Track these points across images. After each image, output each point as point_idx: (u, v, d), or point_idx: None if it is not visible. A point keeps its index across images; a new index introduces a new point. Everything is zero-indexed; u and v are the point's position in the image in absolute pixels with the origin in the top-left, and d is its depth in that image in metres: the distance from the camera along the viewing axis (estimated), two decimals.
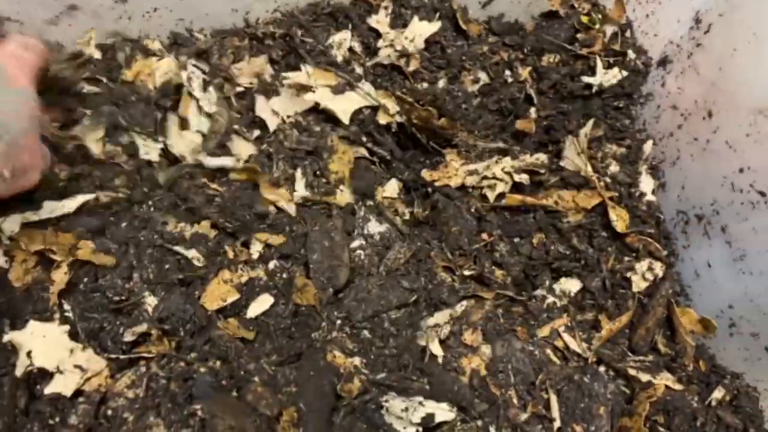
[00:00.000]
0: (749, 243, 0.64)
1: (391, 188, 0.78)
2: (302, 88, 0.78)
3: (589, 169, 0.71)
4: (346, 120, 0.77)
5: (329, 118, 0.79)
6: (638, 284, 0.71)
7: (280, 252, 0.70)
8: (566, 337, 0.70)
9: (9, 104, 0.56)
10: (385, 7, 0.85)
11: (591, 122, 0.74)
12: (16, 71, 0.60)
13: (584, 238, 0.73)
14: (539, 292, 0.72)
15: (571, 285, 0.72)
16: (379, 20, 0.84)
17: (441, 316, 0.70)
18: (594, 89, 0.78)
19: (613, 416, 0.66)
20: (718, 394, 0.68)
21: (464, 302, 0.71)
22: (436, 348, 0.67)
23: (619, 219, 0.71)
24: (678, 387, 0.68)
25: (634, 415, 0.65)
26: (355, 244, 0.73)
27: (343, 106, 0.78)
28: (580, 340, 0.70)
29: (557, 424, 0.64)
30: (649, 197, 0.74)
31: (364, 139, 0.79)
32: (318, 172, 0.77)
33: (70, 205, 0.67)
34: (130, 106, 0.73)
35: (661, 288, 0.70)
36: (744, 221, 0.63)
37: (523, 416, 0.64)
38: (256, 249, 0.70)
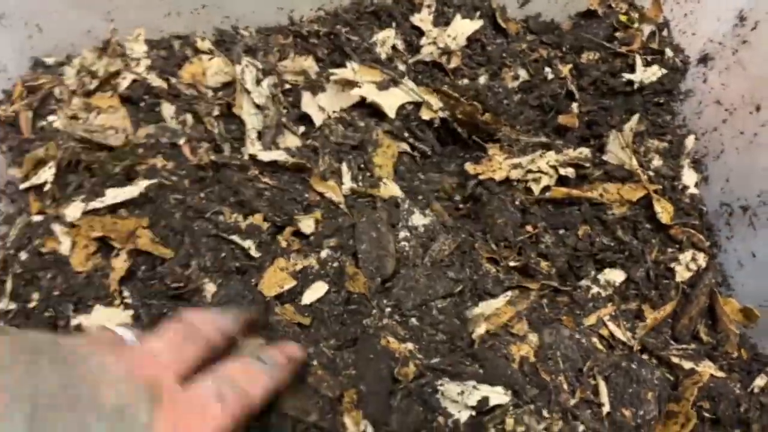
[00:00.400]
0: None
1: (435, 181, 0.80)
2: (348, 84, 0.80)
3: (634, 162, 0.73)
4: (392, 114, 0.79)
5: (373, 113, 0.80)
6: (681, 274, 0.73)
7: (330, 243, 0.72)
8: (611, 326, 0.71)
9: None
10: (428, 6, 0.87)
11: (636, 117, 0.76)
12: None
13: (629, 229, 0.74)
14: (584, 282, 0.74)
15: (616, 275, 0.73)
16: (422, 18, 0.86)
17: (486, 306, 0.71)
18: (635, 86, 0.80)
19: (660, 401, 0.67)
20: (760, 381, 0.70)
21: (509, 293, 0.73)
22: (484, 334, 0.68)
23: (663, 211, 0.73)
24: (720, 374, 0.70)
25: (681, 400, 0.66)
26: (401, 235, 0.75)
27: (389, 101, 0.80)
28: (624, 329, 0.71)
29: (606, 408, 0.66)
30: (692, 190, 0.76)
31: (407, 134, 0.81)
32: (363, 166, 0.78)
33: (132, 191, 0.69)
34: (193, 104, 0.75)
35: (704, 278, 0.72)
36: None
37: (573, 401, 0.66)
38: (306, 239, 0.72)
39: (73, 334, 0.62)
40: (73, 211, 0.69)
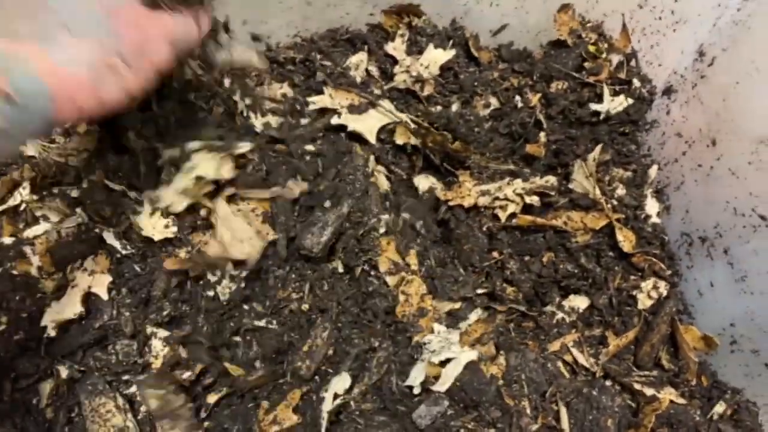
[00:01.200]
0: (750, 264, 0.67)
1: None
2: (327, 111, 0.82)
3: (597, 191, 0.75)
4: (372, 140, 0.80)
5: (353, 137, 0.82)
6: (644, 302, 0.74)
7: None
8: (575, 351, 0.73)
9: None
10: (402, 35, 0.88)
11: (599, 147, 0.77)
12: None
13: (592, 257, 0.76)
14: (549, 308, 0.75)
15: (580, 302, 0.75)
16: (396, 47, 0.88)
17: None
18: (601, 116, 0.82)
19: (620, 428, 0.68)
20: (719, 408, 0.71)
21: (478, 311, 0.74)
22: None
23: (625, 240, 0.74)
24: (681, 401, 0.71)
25: (640, 427, 0.68)
26: None
27: (368, 126, 0.81)
28: (588, 355, 0.73)
29: None
30: (654, 219, 0.77)
31: (388, 157, 0.82)
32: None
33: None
34: None
35: (665, 306, 0.73)
36: (746, 243, 0.67)
37: (535, 426, 0.67)
38: None
39: None
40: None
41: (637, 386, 0.71)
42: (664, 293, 0.73)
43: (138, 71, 0.51)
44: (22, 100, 0.44)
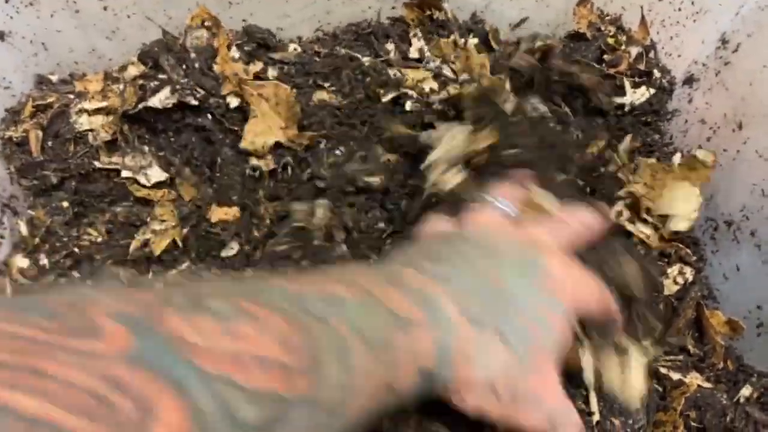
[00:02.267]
0: None
1: None
2: None
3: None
4: None
5: None
6: (669, 288, 0.75)
7: None
8: None
9: (535, 311, 0.45)
10: (417, 36, 0.89)
11: (629, 137, 0.78)
12: (558, 273, 0.48)
13: None
14: None
15: None
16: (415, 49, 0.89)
17: None
18: (626, 108, 0.83)
19: (649, 411, 0.69)
20: (746, 391, 0.72)
21: None
22: None
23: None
24: (707, 385, 0.72)
25: (669, 410, 0.68)
26: None
27: None
28: None
29: (596, 417, 0.67)
30: None
31: None
32: None
33: None
34: None
35: (690, 291, 0.74)
36: None
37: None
38: None
39: None
40: None
41: (663, 371, 0.72)
42: (690, 279, 0.74)
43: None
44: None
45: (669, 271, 0.75)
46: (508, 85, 0.87)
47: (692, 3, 0.80)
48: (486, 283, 0.44)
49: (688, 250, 0.75)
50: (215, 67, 0.82)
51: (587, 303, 0.50)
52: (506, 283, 0.45)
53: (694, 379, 0.71)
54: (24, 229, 0.76)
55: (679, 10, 0.82)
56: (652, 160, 0.80)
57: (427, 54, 0.89)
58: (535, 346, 0.44)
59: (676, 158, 0.79)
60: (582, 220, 0.56)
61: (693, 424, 0.70)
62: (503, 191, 0.57)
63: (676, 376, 0.71)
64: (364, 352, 0.35)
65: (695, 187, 0.71)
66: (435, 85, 0.87)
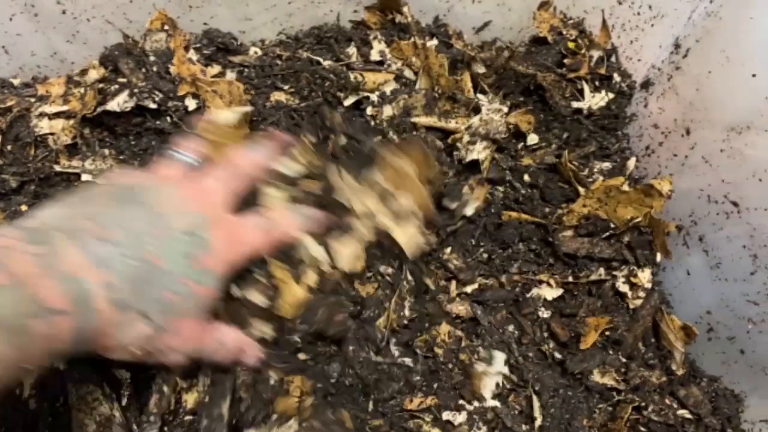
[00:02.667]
0: (724, 251, 0.68)
1: None
2: None
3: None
4: None
5: None
6: (628, 294, 0.75)
7: None
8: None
9: (181, 286, 0.51)
10: (377, 39, 0.89)
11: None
12: (219, 245, 0.54)
13: None
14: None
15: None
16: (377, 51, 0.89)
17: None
18: (584, 112, 0.83)
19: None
20: (698, 396, 0.72)
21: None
22: None
23: None
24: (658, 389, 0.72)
25: (617, 419, 0.69)
26: None
27: None
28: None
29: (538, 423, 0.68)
30: None
31: None
32: None
33: None
34: None
35: (650, 298, 0.74)
36: (719, 230, 0.68)
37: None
38: None
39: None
40: None
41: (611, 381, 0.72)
42: (648, 285, 0.74)
43: (141, 358, 0.53)
44: None
45: (622, 275, 0.75)
46: (469, 84, 0.87)
47: (650, 7, 0.80)
48: (144, 265, 0.49)
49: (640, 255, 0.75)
50: (171, 69, 0.82)
51: (253, 251, 0.59)
52: (164, 263, 0.50)
53: (650, 380, 0.72)
54: None
55: (638, 14, 0.82)
56: (607, 165, 0.80)
57: (389, 57, 0.89)
58: (175, 313, 0.51)
59: (631, 163, 0.80)
60: (252, 160, 0.65)
61: (642, 429, 0.70)
62: (186, 144, 0.65)
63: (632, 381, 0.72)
64: None
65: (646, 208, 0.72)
66: (397, 87, 0.87)
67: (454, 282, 0.76)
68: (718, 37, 0.66)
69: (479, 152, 0.80)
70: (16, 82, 0.86)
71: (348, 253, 0.70)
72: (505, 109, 0.82)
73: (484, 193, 0.78)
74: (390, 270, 0.73)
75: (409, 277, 0.73)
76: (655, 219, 0.72)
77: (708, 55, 0.67)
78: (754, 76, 0.60)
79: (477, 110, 0.83)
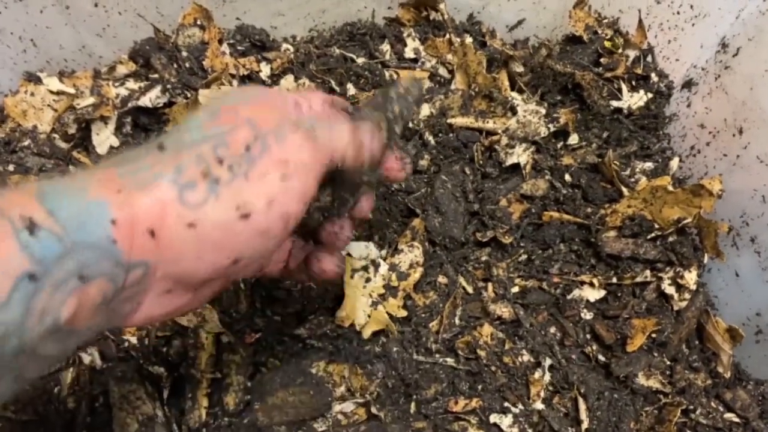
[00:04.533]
0: None
1: None
2: None
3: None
4: None
5: None
6: (672, 295, 0.74)
7: None
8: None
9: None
10: (411, 37, 0.88)
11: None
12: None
13: None
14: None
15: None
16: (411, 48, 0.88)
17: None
18: (624, 112, 0.82)
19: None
20: (745, 399, 0.71)
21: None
22: None
23: None
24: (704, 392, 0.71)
25: (664, 422, 0.67)
26: None
27: None
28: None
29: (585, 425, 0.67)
30: None
31: None
32: None
33: None
34: None
35: (695, 300, 0.73)
36: None
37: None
38: None
39: None
40: None
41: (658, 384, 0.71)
42: (694, 287, 0.73)
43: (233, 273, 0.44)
44: None
45: (668, 277, 0.74)
46: (506, 83, 0.86)
47: (691, 7, 0.79)
48: None
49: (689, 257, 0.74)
50: (205, 62, 0.81)
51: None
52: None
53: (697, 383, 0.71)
54: None
55: (678, 13, 0.81)
56: (649, 164, 0.79)
57: (423, 54, 0.88)
58: None
59: (674, 163, 0.79)
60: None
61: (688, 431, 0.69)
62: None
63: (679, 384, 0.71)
64: None
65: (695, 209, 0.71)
66: (431, 86, 0.86)
67: (491, 283, 0.75)
68: None
69: (519, 155, 0.79)
70: (43, 75, 0.84)
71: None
72: (543, 111, 0.81)
73: (521, 210, 0.77)
74: (445, 279, 0.73)
75: (465, 286, 0.73)
76: (705, 219, 0.71)
77: (762, 54, 0.66)
78: None
79: (513, 110, 0.82)
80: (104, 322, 0.37)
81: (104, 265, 0.34)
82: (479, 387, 0.69)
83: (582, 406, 0.68)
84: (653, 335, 0.71)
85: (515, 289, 0.74)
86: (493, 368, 0.69)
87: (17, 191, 0.34)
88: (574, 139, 0.81)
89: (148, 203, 0.36)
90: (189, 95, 0.81)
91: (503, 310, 0.73)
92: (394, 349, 0.69)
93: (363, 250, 0.73)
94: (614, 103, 0.83)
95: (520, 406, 0.68)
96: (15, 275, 0.31)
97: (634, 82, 0.85)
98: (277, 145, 0.40)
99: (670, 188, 0.72)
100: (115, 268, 0.35)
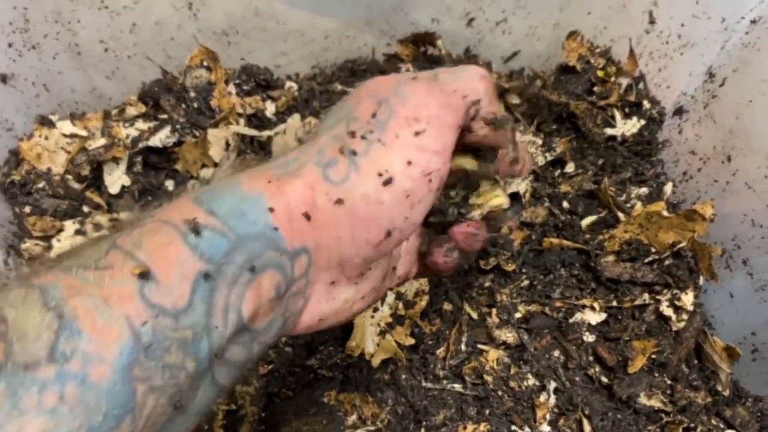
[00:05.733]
0: None
1: None
2: None
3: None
4: None
5: None
6: (671, 316, 0.76)
7: None
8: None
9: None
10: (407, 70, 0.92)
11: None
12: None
13: None
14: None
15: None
16: None
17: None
18: (618, 139, 0.85)
19: None
20: (744, 416, 0.73)
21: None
22: None
23: None
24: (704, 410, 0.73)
25: None
26: None
27: None
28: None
29: None
30: None
31: None
32: None
33: None
34: None
35: (693, 321, 0.75)
36: (765, 254, 0.69)
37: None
38: None
39: None
40: None
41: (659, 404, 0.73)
42: (691, 308, 0.75)
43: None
44: None
45: (666, 299, 0.76)
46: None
47: (679, 36, 0.82)
48: None
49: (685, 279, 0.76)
50: (212, 102, 0.84)
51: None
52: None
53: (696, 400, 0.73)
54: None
55: (667, 43, 0.84)
56: (644, 190, 0.82)
57: None
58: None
59: (668, 188, 0.82)
60: None
61: None
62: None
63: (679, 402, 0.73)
64: None
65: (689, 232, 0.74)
66: None
67: (494, 309, 0.77)
68: (756, 68, 0.68)
69: (518, 184, 0.81)
70: (54, 118, 0.87)
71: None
72: (539, 141, 0.84)
73: (522, 237, 0.80)
74: (451, 306, 0.75)
75: (470, 313, 0.75)
76: (699, 243, 0.73)
77: (747, 85, 0.69)
78: None
79: None
80: (281, 321, 0.38)
81: (270, 254, 0.36)
82: (487, 411, 0.71)
83: (587, 427, 0.70)
84: (653, 356, 0.74)
85: (519, 315, 0.77)
86: (500, 393, 0.71)
87: (176, 202, 0.36)
88: (570, 167, 0.84)
89: (298, 187, 0.38)
90: (197, 134, 0.84)
91: (508, 336, 0.75)
92: (403, 376, 0.71)
93: None
94: (608, 131, 0.86)
95: (527, 429, 0.70)
96: (191, 277, 0.32)
97: (627, 109, 0.88)
98: (401, 105, 0.40)
99: (665, 213, 0.75)
100: (281, 257, 0.36)
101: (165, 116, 0.85)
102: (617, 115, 0.87)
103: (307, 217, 0.38)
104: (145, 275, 0.31)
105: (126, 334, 0.29)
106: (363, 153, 0.39)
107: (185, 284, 0.32)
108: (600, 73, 0.90)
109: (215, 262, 0.33)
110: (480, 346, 0.75)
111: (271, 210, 0.36)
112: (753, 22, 0.70)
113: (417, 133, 0.40)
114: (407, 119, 0.40)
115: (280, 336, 0.40)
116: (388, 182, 0.39)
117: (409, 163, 0.39)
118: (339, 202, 0.38)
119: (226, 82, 0.86)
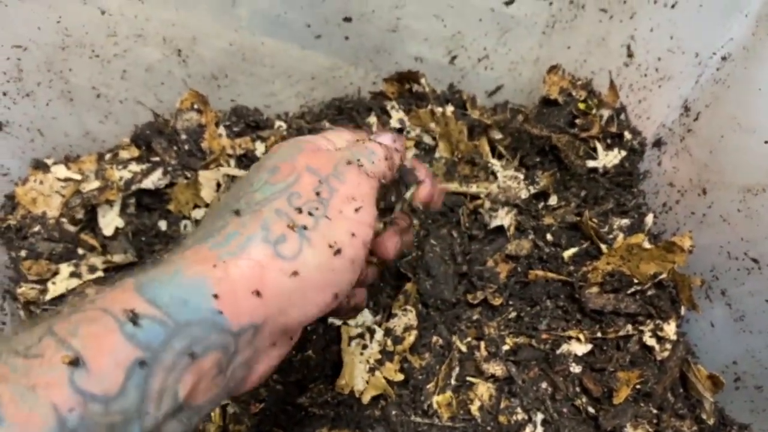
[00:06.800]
0: (747, 305, 0.71)
1: None
2: None
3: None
4: None
5: None
6: (655, 347, 0.77)
7: None
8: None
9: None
10: (395, 108, 0.94)
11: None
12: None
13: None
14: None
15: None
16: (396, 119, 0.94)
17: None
18: (599, 171, 0.87)
19: None
20: None
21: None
22: None
23: None
24: None
25: None
26: None
27: None
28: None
29: None
30: None
31: None
32: None
33: None
34: None
35: (676, 350, 0.76)
36: (741, 285, 0.71)
37: None
38: None
39: None
40: None
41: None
42: (674, 337, 0.76)
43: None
44: None
45: (649, 329, 0.77)
46: (487, 149, 0.91)
47: (656, 69, 0.84)
48: None
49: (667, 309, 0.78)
50: (203, 144, 0.86)
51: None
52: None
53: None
54: (23, 314, 0.79)
55: (645, 75, 0.86)
56: (626, 221, 0.84)
57: (408, 124, 0.93)
58: None
59: (649, 219, 0.83)
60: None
61: None
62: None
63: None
64: None
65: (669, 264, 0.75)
66: (417, 152, 0.91)
67: (483, 342, 0.78)
68: (727, 104, 0.70)
69: (502, 218, 0.83)
70: (49, 162, 0.89)
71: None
72: (521, 176, 0.86)
73: (507, 270, 0.81)
74: (440, 340, 0.76)
75: (459, 346, 0.76)
76: (679, 274, 0.75)
77: (719, 121, 0.71)
78: (766, 143, 0.63)
79: (495, 175, 0.87)
80: (223, 392, 0.40)
81: (214, 337, 0.37)
82: None
83: None
84: (638, 386, 0.75)
85: (507, 347, 0.78)
86: (489, 428, 0.73)
87: (117, 289, 0.37)
88: (553, 199, 0.86)
89: (247, 269, 0.40)
90: (189, 176, 0.86)
91: (496, 368, 0.76)
92: (393, 412, 0.73)
93: (359, 317, 0.77)
94: (590, 163, 0.88)
95: None
96: (125, 365, 0.33)
97: (609, 140, 0.90)
98: (341, 185, 0.47)
99: (646, 245, 0.76)
100: (225, 337, 0.38)
101: (157, 159, 0.87)
102: (599, 146, 0.88)
103: (258, 294, 0.40)
104: (75, 362, 0.32)
105: (51, 421, 0.30)
106: (312, 228, 0.44)
107: (118, 371, 0.33)
108: (581, 106, 0.92)
109: (152, 349, 0.34)
110: (469, 378, 0.76)
111: (216, 296, 0.38)
112: (723, 58, 0.71)
113: (356, 210, 0.46)
114: (347, 198, 0.46)
115: (222, 402, 0.43)
116: (338, 252, 0.44)
117: (353, 234, 0.46)
118: (295, 274, 0.42)
119: (217, 124, 0.88)
